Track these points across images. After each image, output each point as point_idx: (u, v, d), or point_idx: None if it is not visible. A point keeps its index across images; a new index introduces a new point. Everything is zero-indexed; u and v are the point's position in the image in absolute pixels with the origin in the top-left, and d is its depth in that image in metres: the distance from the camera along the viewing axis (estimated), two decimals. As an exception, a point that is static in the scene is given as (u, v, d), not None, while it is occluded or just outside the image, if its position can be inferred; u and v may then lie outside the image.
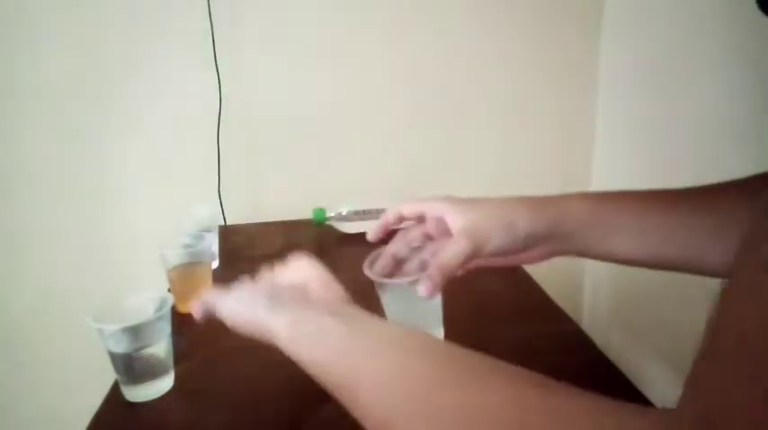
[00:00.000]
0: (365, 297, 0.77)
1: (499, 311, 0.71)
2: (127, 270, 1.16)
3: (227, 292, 0.45)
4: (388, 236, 0.54)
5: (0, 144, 1.10)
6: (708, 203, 0.47)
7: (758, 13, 0.34)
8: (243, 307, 0.43)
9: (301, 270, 0.49)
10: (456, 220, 0.47)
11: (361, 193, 1.07)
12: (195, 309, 0.47)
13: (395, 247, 0.54)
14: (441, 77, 1.19)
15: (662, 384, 1.03)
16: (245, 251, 0.97)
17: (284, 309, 0.41)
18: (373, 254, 0.54)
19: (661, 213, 0.47)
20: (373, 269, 0.53)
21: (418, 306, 0.53)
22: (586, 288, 1.36)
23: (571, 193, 0.49)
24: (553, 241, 0.48)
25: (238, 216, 1.16)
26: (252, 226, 1.13)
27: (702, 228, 0.45)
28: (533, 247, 0.48)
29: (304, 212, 1.05)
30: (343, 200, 1.02)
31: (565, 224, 0.47)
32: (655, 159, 1.05)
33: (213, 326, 0.72)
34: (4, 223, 1.14)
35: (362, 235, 1.00)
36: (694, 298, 0.94)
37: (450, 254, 0.45)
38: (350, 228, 1.01)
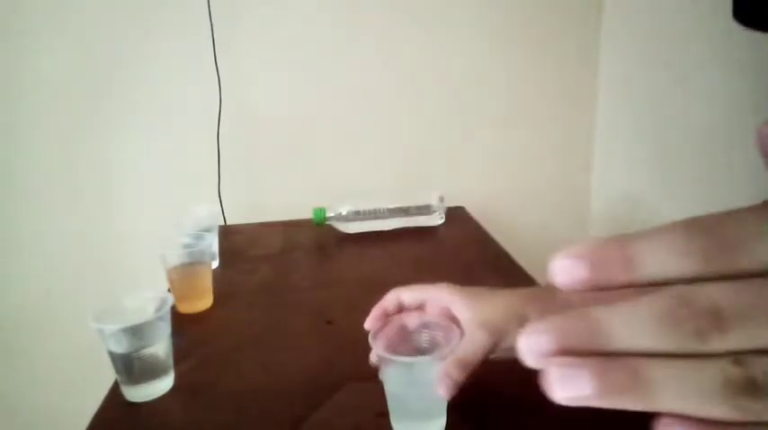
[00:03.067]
0: (365, 298, 0.77)
1: (499, 311, 0.71)
2: (127, 270, 1.16)
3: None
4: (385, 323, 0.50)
5: (0, 144, 1.10)
6: None
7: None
8: None
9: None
10: (465, 313, 0.46)
11: (361, 193, 1.07)
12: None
13: (391, 331, 0.49)
14: (441, 77, 1.19)
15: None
16: (245, 251, 0.97)
17: None
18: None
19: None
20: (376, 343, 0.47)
21: (420, 389, 0.46)
22: (586, 288, 1.35)
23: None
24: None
25: (238, 216, 1.16)
26: (252, 226, 1.13)
27: None
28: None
29: (304, 212, 1.05)
30: (343, 200, 1.02)
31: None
32: (654, 159, 1.05)
33: (213, 326, 0.72)
34: (4, 223, 1.14)
35: (362, 235, 1.01)
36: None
37: (470, 348, 0.42)
38: (350, 228, 1.01)
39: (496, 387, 0.55)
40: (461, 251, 0.95)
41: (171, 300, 0.57)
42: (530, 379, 0.58)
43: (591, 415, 0.51)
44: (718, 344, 0.16)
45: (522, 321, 0.44)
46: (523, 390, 0.55)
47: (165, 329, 0.56)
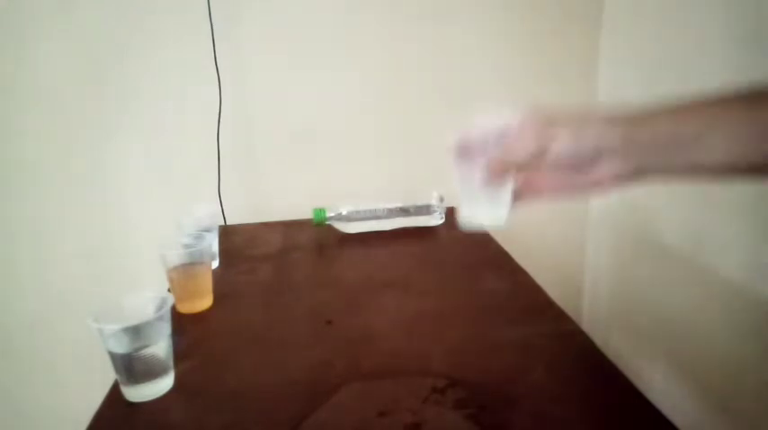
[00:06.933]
0: (365, 298, 0.77)
1: (499, 311, 0.71)
2: (127, 270, 1.16)
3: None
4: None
5: (0, 144, 1.10)
6: None
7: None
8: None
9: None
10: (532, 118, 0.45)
11: (361, 193, 1.07)
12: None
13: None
14: (441, 77, 1.19)
15: (662, 384, 1.03)
16: (245, 251, 0.97)
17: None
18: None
19: (752, 107, 0.41)
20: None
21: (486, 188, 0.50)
22: (586, 288, 1.36)
23: (655, 106, 0.45)
24: (627, 156, 0.43)
25: (238, 216, 1.16)
26: (252, 226, 1.13)
27: None
28: (600, 162, 0.43)
29: (304, 212, 1.05)
30: (343, 200, 1.02)
31: (642, 134, 0.42)
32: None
33: (213, 326, 0.72)
34: (5, 223, 1.14)
35: (362, 235, 1.01)
36: (694, 298, 0.94)
37: (513, 148, 0.45)
38: (350, 228, 1.01)
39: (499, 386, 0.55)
40: (461, 251, 0.95)
41: (171, 300, 0.57)
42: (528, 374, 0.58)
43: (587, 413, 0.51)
44: None
45: (577, 132, 0.43)
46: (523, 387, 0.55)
47: (165, 329, 0.56)
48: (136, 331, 0.53)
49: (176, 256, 0.72)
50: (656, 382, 1.04)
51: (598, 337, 0.63)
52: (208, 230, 0.84)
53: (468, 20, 1.16)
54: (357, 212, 1.01)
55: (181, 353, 0.59)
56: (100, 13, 1.06)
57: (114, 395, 0.56)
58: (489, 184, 0.46)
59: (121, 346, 0.53)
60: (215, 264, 0.89)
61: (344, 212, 1.01)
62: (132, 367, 0.54)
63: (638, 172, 0.43)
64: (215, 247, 0.89)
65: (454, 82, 1.19)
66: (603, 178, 0.44)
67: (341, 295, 0.78)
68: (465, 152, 0.50)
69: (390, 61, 1.16)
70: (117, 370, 0.55)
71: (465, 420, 0.50)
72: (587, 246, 1.33)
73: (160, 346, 0.55)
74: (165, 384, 0.57)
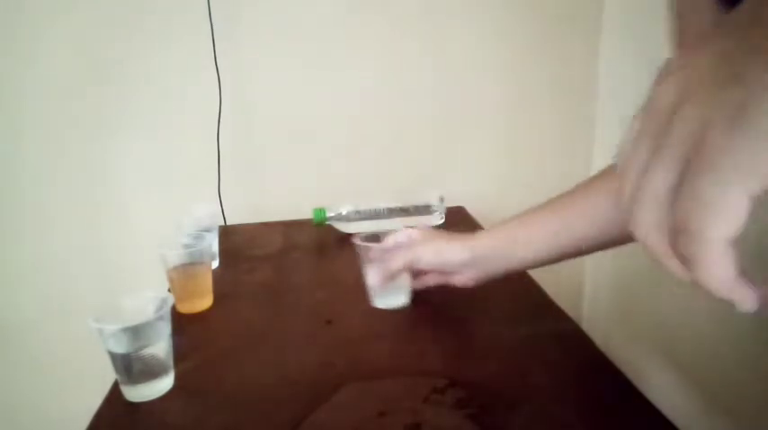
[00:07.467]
0: (365, 298, 0.77)
1: (499, 311, 0.71)
2: (127, 270, 1.16)
3: None
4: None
5: (0, 144, 1.10)
6: (587, 198, 0.60)
7: None
8: None
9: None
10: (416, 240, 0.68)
11: (361, 193, 1.07)
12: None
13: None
14: (441, 78, 1.19)
15: (662, 384, 1.03)
16: (245, 251, 0.97)
17: None
18: (364, 235, 0.71)
19: (558, 219, 0.61)
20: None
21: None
22: (586, 288, 1.36)
23: (486, 228, 0.66)
24: (475, 266, 0.63)
25: (238, 216, 1.16)
26: (252, 226, 1.13)
27: (596, 215, 0.59)
28: (462, 271, 0.64)
29: (304, 212, 1.05)
30: (343, 200, 1.02)
31: (482, 252, 0.63)
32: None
33: (213, 326, 0.72)
34: (4, 223, 1.14)
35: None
36: (694, 297, 0.94)
37: (390, 263, 0.65)
38: (350, 228, 1.01)
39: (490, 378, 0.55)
40: (461, 251, 0.95)
41: (171, 300, 0.57)
42: (527, 372, 0.58)
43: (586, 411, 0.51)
44: None
45: (436, 252, 0.64)
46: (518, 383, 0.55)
47: (165, 329, 0.56)
48: (136, 331, 0.53)
49: (176, 256, 0.72)
50: (656, 382, 1.04)
51: (598, 337, 0.63)
52: (208, 230, 0.84)
53: (468, 20, 1.16)
54: (357, 212, 1.01)
55: (181, 353, 0.59)
56: (100, 13, 1.06)
57: (114, 395, 0.56)
58: (386, 284, 0.67)
59: (121, 346, 0.53)
60: (215, 264, 0.89)
61: (344, 212, 1.01)
62: (132, 367, 0.54)
63: (487, 275, 0.64)
64: (215, 247, 0.89)
65: (454, 83, 1.19)
66: (464, 280, 0.65)
67: (341, 295, 0.78)
68: (375, 258, 0.68)
69: (390, 61, 1.16)
70: (117, 370, 0.55)
71: (465, 420, 0.50)
72: (587, 246, 1.33)
73: (160, 346, 0.55)
74: (165, 384, 0.57)
